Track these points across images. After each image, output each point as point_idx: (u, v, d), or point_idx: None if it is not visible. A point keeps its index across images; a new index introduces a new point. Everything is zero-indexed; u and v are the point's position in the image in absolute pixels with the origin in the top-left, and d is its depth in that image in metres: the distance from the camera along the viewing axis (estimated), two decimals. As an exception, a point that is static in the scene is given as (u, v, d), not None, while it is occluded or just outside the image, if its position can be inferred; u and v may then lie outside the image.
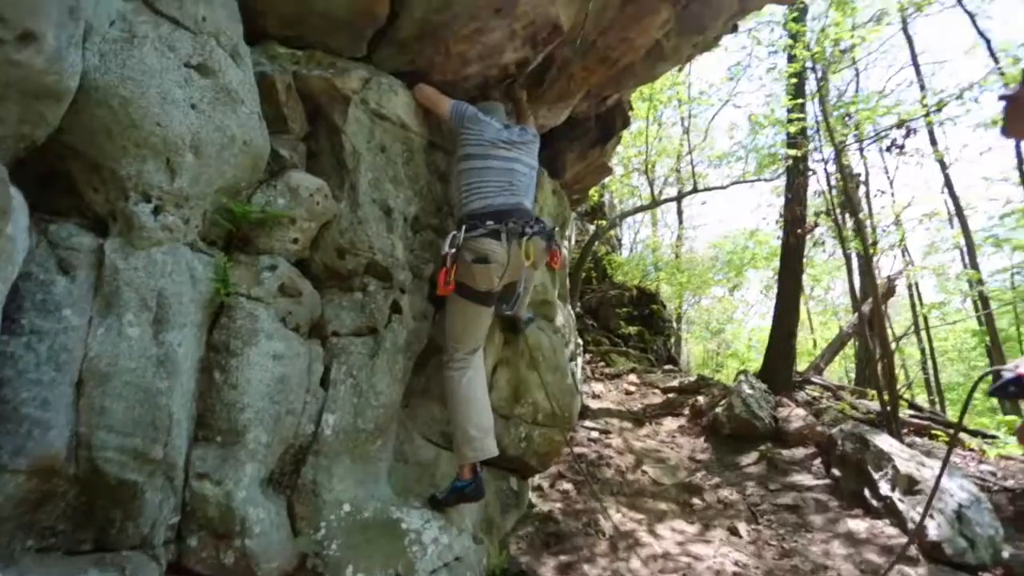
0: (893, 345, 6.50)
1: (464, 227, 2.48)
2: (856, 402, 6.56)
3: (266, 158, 2.17)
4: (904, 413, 6.01)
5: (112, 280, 1.61)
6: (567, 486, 3.71)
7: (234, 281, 2.01)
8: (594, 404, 5.26)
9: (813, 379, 7.46)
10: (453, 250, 2.43)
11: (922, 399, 11.64)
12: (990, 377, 1.59)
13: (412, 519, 2.29)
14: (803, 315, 18.02)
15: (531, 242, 2.52)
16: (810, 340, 17.71)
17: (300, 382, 2.12)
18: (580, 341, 5.43)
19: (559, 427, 3.47)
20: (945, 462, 1.74)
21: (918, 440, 5.32)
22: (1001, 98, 1.47)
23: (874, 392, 5.89)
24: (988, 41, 7.58)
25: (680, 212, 17.11)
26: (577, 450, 4.25)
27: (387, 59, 2.84)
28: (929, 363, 11.61)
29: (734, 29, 5.20)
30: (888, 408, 4.74)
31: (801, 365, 11.86)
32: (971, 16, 7.84)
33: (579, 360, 5.36)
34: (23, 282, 1.46)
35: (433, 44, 2.79)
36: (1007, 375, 1.52)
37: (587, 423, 4.74)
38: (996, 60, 7.48)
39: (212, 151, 1.86)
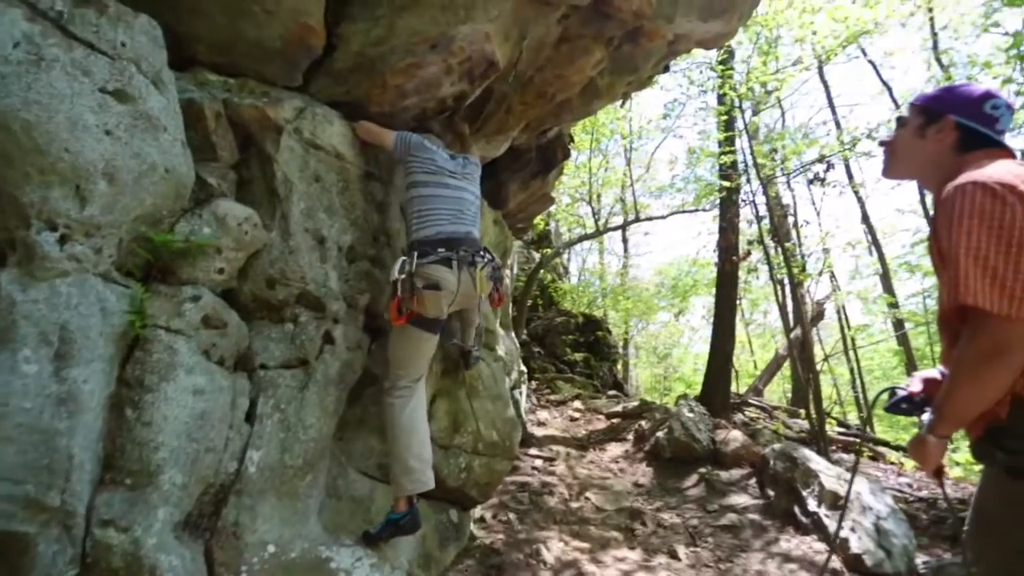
0: (822, 366, 6.87)
1: (415, 253, 2.47)
2: (790, 422, 6.86)
3: (190, 186, 2.11)
4: (833, 431, 6.32)
5: (7, 314, 1.51)
6: (510, 516, 3.67)
7: (152, 313, 1.91)
8: (539, 432, 5.26)
9: (751, 401, 7.76)
10: (403, 276, 2.42)
11: (852, 416, 12.26)
12: (887, 394, 1.72)
13: (342, 557, 2.20)
14: (744, 338, 18.83)
15: (483, 272, 2.57)
16: (751, 362, 18.45)
17: (223, 417, 2.03)
18: (524, 369, 5.45)
19: (500, 456, 3.45)
20: (853, 474, 1.85)
21: (845, 456, 5.60)
22: (881, 143, 1.63)
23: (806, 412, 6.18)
24: (890, 89, 8.37)
25: (625, 240, 17.69)
26: (521, 479, 4.23)
27: (323, 89, 2.84)
28: (858, 382, 12.30)
29: (666, 69, 5.52)
30: (815, 427, 4.97)
31: (743, 387, 12.33)
32: (875, 66, 8.67)
33: (524, 388, 5.37)
34: (-99, 317, 1.35)
35: (370, 76, 2.82)
36: (900, 393, 1.65)
37: (531, 451, 4.72)
38: (897, 105, 8.25)
39: (129, 179, 1.79)
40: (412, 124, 3.23)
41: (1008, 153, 1.39)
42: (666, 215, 10.36)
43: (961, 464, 4.52)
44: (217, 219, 2.16)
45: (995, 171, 1.26)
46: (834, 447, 5.47)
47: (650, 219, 9.40)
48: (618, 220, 13.66)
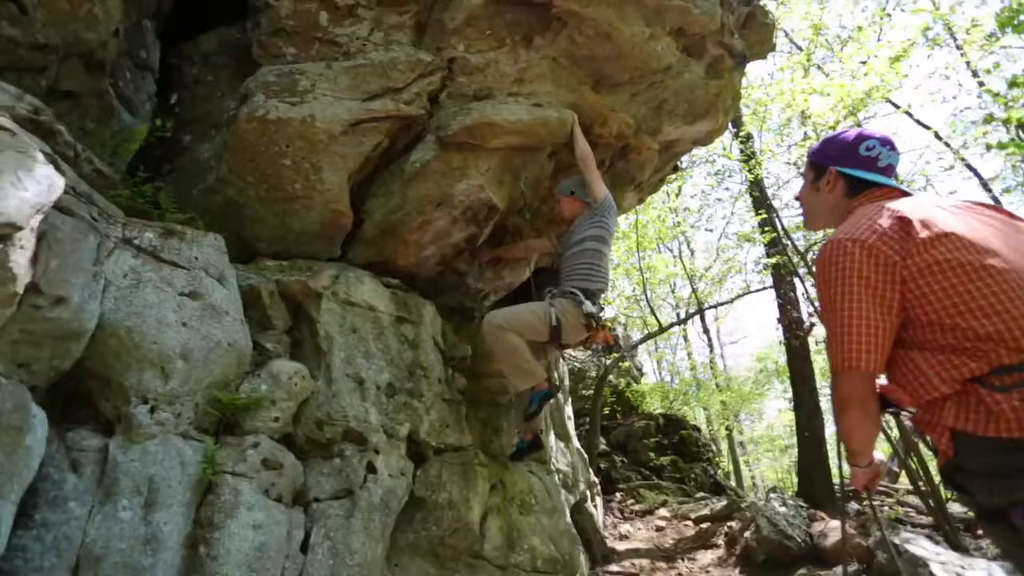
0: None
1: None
2: (919, 505, 5.99)
3: (249, 354, 2.64)
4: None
5: (112, 472, 1.98)
6: (585, 640, 3.48)
7: (220, 461, 2.34)
8: (620, 546, 5.00)
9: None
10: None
11: None
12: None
13: None
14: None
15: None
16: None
17: (280, 548, 2.32)
18: (596, 480, 5.36)
19: (562, 573, 3.41)
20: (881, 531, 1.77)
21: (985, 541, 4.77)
22: (795, 198, 1.76)
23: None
24: (927, 127, 8.18)
25: (707, 331, 17.10)
26: (600, 598, 4.03)
27: (358, 255, 3.46)
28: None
29: (675, 169, 5.92)
30: (932, 506, 4.38)
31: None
32: (910, 114, 8.62)
33: (598, 501, 5.24)
34: (40, 482, 1.83)
35: (393, 237, 3.42)
36: None
37: (612, 568, 4.49)
38: (939, 138, 7.97)
39: (200, 356, 2.33)
40: (436, 270, 3.76)
41: (890, 190, 1.45)
42: (732, 299, 10.21)
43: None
44: (272, 376, 2.65)
45: (851, 226, 1.35)
46: (967, 528, 4.70)
47: (713, 306, 9.29)
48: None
